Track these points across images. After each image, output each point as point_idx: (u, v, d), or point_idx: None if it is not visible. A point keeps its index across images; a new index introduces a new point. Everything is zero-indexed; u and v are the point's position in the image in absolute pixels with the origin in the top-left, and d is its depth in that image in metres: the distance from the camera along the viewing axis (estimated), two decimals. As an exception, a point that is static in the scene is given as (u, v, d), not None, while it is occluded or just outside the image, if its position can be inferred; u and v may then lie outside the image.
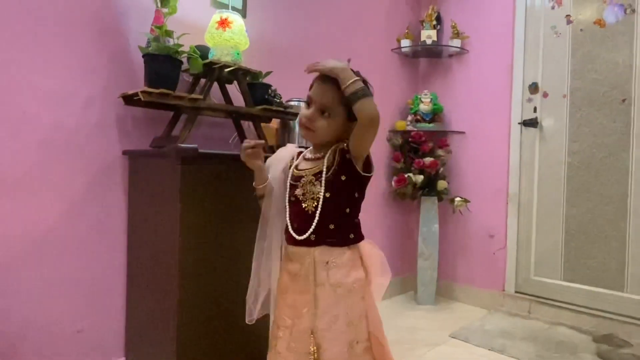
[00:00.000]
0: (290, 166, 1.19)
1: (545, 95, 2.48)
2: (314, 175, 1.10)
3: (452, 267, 2.79)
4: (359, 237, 1.14)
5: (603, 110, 2.28)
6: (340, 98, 1.04)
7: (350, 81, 0.98)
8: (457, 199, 2.61)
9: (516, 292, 2.54)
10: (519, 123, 2.55)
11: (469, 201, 2.60)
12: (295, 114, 1.81)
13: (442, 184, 2.61)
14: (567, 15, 2.41)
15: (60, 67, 1.44)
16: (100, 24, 1.53)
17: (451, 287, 2.78)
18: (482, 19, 2.71)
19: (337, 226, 1.09)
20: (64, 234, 1.46)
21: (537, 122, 2.49)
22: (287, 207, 1.15)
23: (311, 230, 1.07)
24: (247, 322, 1.24)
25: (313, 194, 1.09)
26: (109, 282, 1.57)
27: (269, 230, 1.24)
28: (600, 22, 2.29)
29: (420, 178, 2.57)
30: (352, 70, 1.05)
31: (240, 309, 1.30)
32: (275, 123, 1.89)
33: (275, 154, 1.27)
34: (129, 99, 1.48)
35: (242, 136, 1.79)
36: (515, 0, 2.58)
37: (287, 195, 1.16)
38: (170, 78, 1.41)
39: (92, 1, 1.51)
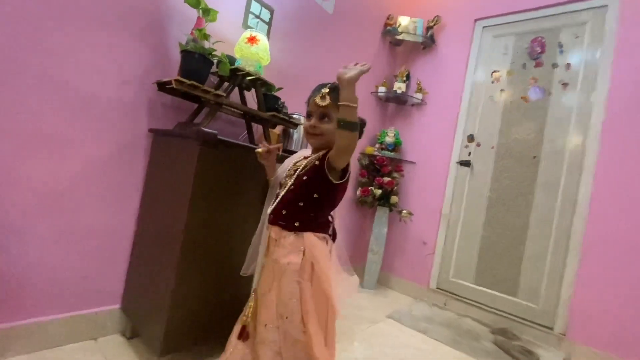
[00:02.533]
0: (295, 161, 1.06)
1: (478, 144, 2.45)
2: (295, 170, 0.99)
3: (392, 262, 2.68)
4: (305, 228, 0.94)
5: (519, 162, 2.27)
6: (333, 105, 0.93)
7: (345, 102, 0.84)
8: (404, 211, 2.52)
9: (437, 287, 2.47)
10: (456, 162, 2.51)
11: (412, 214, 2.52)
12: (296, 124, 1.67)
13: (394, 199, 2.51)
14: (501, 90, 2.41)
15: (108, 50, 1.24)
16: (148, 20, 1.33)
17: (389, 278, 2.68)
18: (440, 82, 2.67)
19: (288, 213, 0.96)
20: (83, 190, 1.24)
21: (469, 164, 2.45)
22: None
23: (270, 210, 0.98)
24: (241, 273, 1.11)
25: (286, 184, 0.98)
26: (117, 238, 1.35)
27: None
28: (525, 98, 2.30)
29: (379, 191, 2.47)
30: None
31: (231, 277, 1.12)
32: (278, 129, 1.73)
33: (296, 153, 1.14)
34: (162, 86, 1.29)
35: (250, 135, 1.61)
36: (466, 73, 2.56)
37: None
38: (201, 74, 1.23)
39: (146, 1, 1.31)
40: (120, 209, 1.33)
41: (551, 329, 1.99)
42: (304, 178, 0.94)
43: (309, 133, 0.99)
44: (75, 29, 1.16)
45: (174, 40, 1.40)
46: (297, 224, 0.94)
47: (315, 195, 0.94)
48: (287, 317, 0.90)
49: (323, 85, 0.98)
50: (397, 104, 2.87)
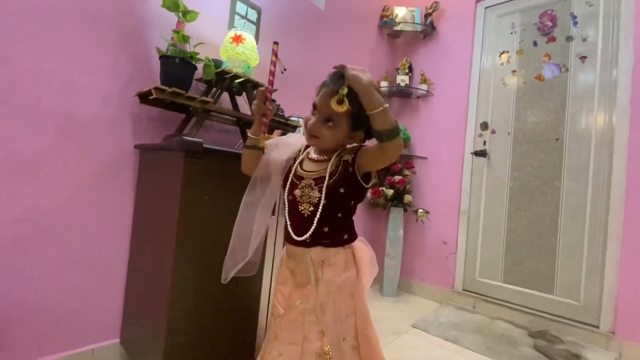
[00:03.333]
0: (295, 160, 0.90)
1: (493, 132, 2.28)
2: (314, 179, 0.83)
3: (412, 266, 2.52)
4: (352, 237, 0.88)
5: (540, 146, 2.09)
6: (348, 110, 0.77)
7: (379, 110, 0.69)
8: (420, 210, 2.36)
9: (463, 289, 2.29)
10: (471, 153, 2.34)
11: (429, 212, 2.36)
12: (294, 127, 1.55)
13: (407, 198, 2.36)
14: (513, 71, 2.24)
15: (82, 64, 1.15)
16: (125, 30, 1.24)
17: (410, 283, 2.51)
18: (445, 70, 2.52)
19: (331, 229, 0.83)
20: (70, 218, 1.14)
21: (486, 153, 2.29)
22: (286, 205, 0.87)
23: (308, 234, 0.81)
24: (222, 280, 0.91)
25: (310, 197, 0.82)
26: (111, 266, 1.24)
27: (257, 214, 0.91)
28: (540, 77, 2.13)
29: (390, 192, 2.32)
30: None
31: (231, 303, 1.00)
32: (275, 134, 1.62)
33: (287, 138, 0.97)
34: (144, 98, 1.19)
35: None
36: (472, 57, 2.41)
37: (287, 193, 0.87)
38: (183, 80, 1.13)
39: (120, 9, 1.23)
40: (111, 234, 1.23)
41: (597, 327, 1.79)
42: (341, 190, 0.82)
43: (308, 131, 0.84)
44: (46, 42, 1.07)
45: (154, 48, 1.30)
46: (345, 236, 0.86)
47: (352, 202, 0.87)
48: (344, 339, 0.84)
49: (338, 78, 0.79)
50: (401, 97, 2.73)
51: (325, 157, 0.86)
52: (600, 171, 1.87)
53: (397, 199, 2.36)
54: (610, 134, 1.85)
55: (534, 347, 1.72)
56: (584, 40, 1.99)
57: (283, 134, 1.60)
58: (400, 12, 2.60)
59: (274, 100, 1.48)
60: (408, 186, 2.41)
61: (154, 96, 1.07)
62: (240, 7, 1.59)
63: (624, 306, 1.73)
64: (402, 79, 2.56)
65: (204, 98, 1.16)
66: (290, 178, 0.87)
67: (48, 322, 1.11)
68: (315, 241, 0.82)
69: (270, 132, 1.56)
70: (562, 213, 1.98)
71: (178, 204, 0.95)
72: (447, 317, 2.05)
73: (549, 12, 2.12)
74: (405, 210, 2.41)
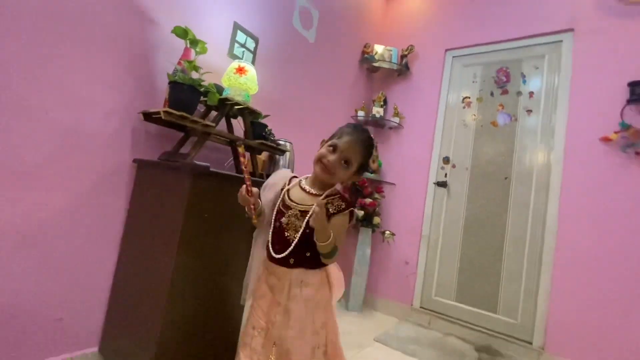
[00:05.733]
0: (282, 189, 1.03)
1: (453, 166, 2.56)
2: (300, 211, 0.97)
3: (376, 283, 2.69)
4: None
5: (491, 183, 2.39)
6: (358, 157, 0.97)
7: (326, 242, 0.89)
8: (387, 232, 2.56)
9: (421, 307, 2.49)
10: (433, 183, 2.60)
11: (394, 234, 2.56)
12: (283, 151, 1.67)
13: (376, 220, 2.55)
14: (473, 115, 2.56)
15: (92, 79, 1.20)
16: (134, 51, 1.31)
17: (373, 299, 2.67)
18: (415, 107, 2.80)
19: (312, 254, 0.97)
20: (61, 225, 1.16)
21: (446, 184, 2.55)
22: (272, 228, 1.00)
23: (290, 255, 0.96)
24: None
25: (295, 226, 0.96)
26: (96, 276, 1.26)
27: (254, 243, 1.08)
28: (494, 123, 2.46)
29: (361, 213, 2.50)
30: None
31: (222, 329, 1.08)
32: (263, 156, 1.73)
33: (270, 178, 1.09)
34: (148, 116, 1.26)
35: (236, 161, 1.60)
36: (439, 98, 2.71)
37: (273, 219, 1.00)
38: (190, 105, 1.22)
39: (133, 31, 1.30)
40: (99, 245, 1.26)
41: (530, 343, 2.06)
42: None
43: (325, 165, 0.95)
44: (58, 57, 1.12)
45: (160, 69, 1.38)
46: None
47: (330, 232, 0.97)
48: (318, 347, 0.97)
49: (362, 129, 1.01)
50: (375, 127, 2.96)
51: (316, 192, 0.99)
52: (538, 207, 2.19)
53: (367, 220, 2.54)
54: (547, 176, 2.19)
55: (479, 360, 1.94)
56: (530, 96, 2.34)
57: (270, 156, 1.72)
58: (379, 49, 2.85)
59: (265, 126, 1.60)
60: (377, 209, 2.60)
61: (163, 117, 1.15)
62: (240, 36, 1.71)
63: (553, 325, 2.01)
64: (377, 111, 2.80)
65: (207, 122, 1.26)
66: (277, 206, 1.01)
67: (29, 327, 1.11)
68: (298, 264, 0.96)
69: (259, 154, 1.67)
70: (506, 243, 2.26)
71: (182, 220, 1.03)
72: (406, 332, 2.22)
73: (504, 69, 2.48)
74: (373, 231, 2.60)
